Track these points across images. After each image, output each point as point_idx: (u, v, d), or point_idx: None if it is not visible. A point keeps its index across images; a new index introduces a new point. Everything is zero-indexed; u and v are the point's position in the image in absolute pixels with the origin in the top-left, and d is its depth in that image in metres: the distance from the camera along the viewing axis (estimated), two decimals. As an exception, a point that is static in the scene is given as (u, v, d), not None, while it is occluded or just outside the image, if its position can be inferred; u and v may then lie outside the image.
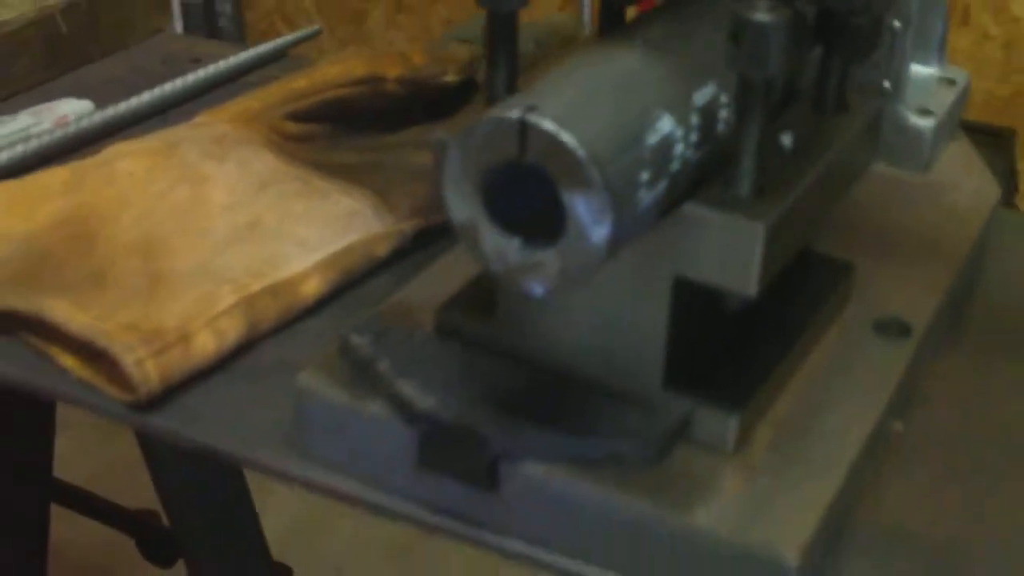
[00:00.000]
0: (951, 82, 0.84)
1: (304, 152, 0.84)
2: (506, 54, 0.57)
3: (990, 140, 1.40)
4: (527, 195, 0.51)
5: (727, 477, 0.57)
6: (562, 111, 0.49)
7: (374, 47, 2.62)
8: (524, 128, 0.49)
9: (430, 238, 0.80)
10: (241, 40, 2.80)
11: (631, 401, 0.59)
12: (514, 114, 0.49)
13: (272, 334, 0.73)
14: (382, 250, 0.78)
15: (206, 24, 2.78)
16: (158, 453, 1.22)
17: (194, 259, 0.74)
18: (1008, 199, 0.83)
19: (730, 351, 0.62)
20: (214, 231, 0.76)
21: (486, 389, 0.60)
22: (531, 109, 0.49)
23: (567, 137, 0.48)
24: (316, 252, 0.75)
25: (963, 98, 0.84)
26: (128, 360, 0.66)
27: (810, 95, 0.62)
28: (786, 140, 0.59)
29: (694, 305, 0.58)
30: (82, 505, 1.71)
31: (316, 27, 1.07)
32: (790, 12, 0.50)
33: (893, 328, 0.67)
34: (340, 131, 0.88)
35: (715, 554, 0.55)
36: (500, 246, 0.52)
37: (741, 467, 0.58)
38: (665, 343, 0.58)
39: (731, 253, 0.54)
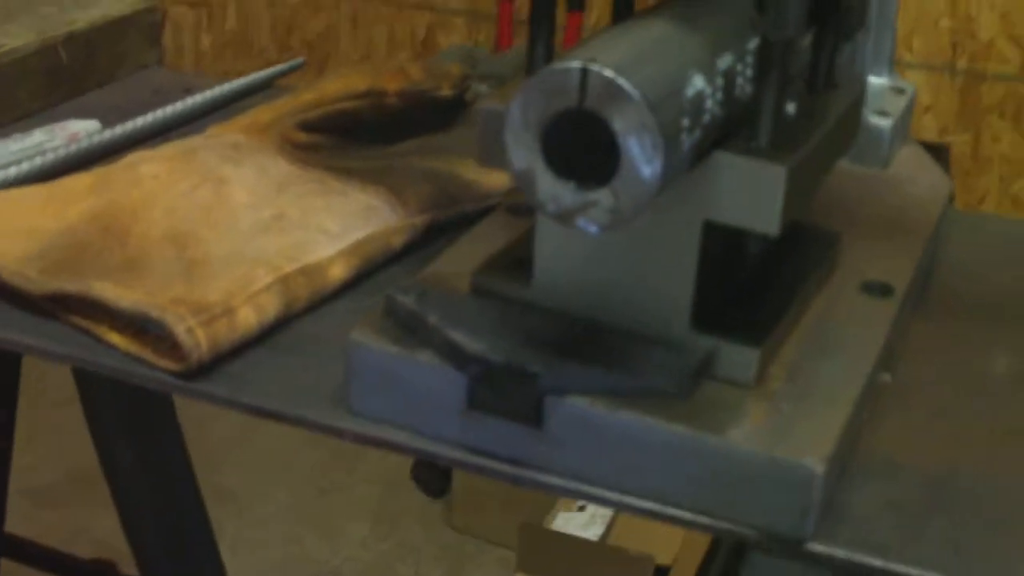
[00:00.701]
0: (901, 91, 0.93)
1: (314, 159, 0.91)
2: (545, 30, 0.64)
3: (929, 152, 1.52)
4: (582, 142, 0.57)
5: (751, 405, 0.64)
6: (617, 62, 0.56)
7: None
8: (585, 76, 0.56)
9: (437, 234, 0.87)
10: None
11: (662, 341, 0.65)
12: (576, 64, 0.56)
13: (303, 314, 0.79)
14: (397, 241, 0.84)
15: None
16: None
17: (225, 246, 0.80)
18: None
19: (743, 299, 0.69)
20: (241, 223, 0.82)
21: (528, 335, 0.66)
22: (591, 59, 0.56)
23: (624, 82, 0.55)
24: (339, 240, 0.81)
25: (911, 105, 0.93)
26: (180, 329, 0.71)
27: (803, 75, 0.70)
28: (790, 108, 0.66)
29: (716, 252, 0.65)
30: (36, 559, 1.72)
31: (300, 59, 1.14)
32: None
33: (877, 289, 0.74)
34: (345, 142, 0.94)
35: (749, 467, 0.61)
36: (556, 189, 0.58)
37: (762, 397, 0.64)
38: (693, 286, 0.65)
39: (757, 195, 0.61)
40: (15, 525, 1.61)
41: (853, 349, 0.69)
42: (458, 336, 0.65)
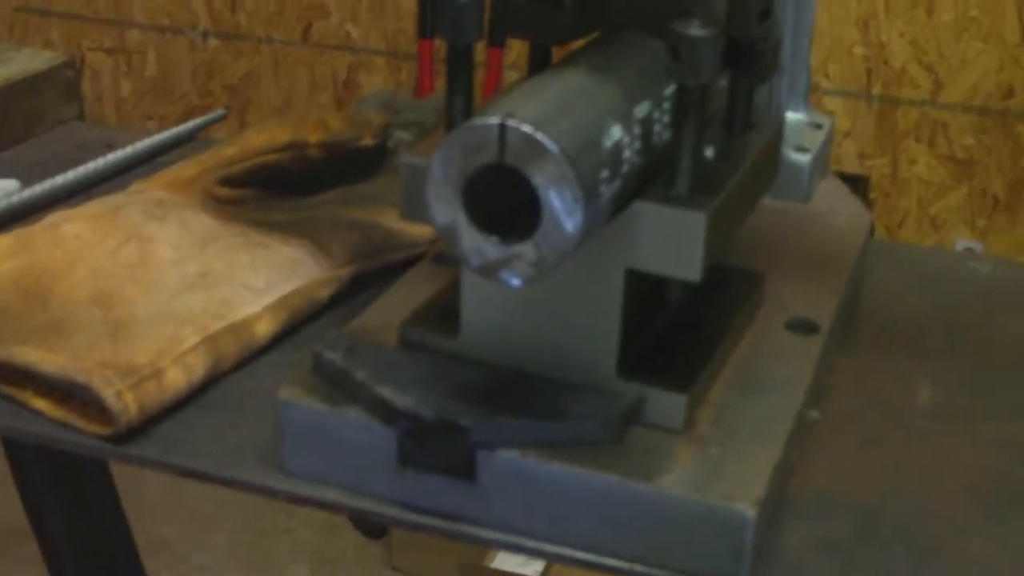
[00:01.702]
0: (818, 126, 0.94)
1: (238, 214, 0.90)
2: (463, 84, 0.64)
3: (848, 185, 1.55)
4: (503, 196, 0.58)
5: (681, 449, 0.64)
6: (535, 116, 0.56)
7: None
8: (503, 131, 0.56)
9: (363, 284, 0.86)
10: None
11: (589, 389, 0.66)
12: (493, 120, 0.56)
13: (232, 370, 0.78)
14: (323, 294, 0.84)
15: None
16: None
17: (152, 305, 0.79)
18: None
19: (669, 344, 0.69)
20: (166, 281, 0.82)
21: (457, 388, 0.66)
22: (508, 115, 0.56)
23: (542, 137, 0.56)
24: (265, 296, 0.81)
25: (830, 139, 0.94)
26: (108, 392, 0.71)
27: (720, 117, 0.71)
28: (708, 152, 0.67)
29: (640, 299, 0.66)
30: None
31: (222, 111, 1.14)
32: (719, 28, 0.59)
33: (802, 326, 0.75)
34: (269, 194, 0.94)
35: (681, 514, 0.61)
36: (479, 244, 0.59)
37: (691, 441, 0.65)
38: (618, 334, 0.65)
39: (677, 243, 0.61)
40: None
41: (781, 388, 0.70)
42: (386, 391, 0.65)
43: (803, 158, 0.89)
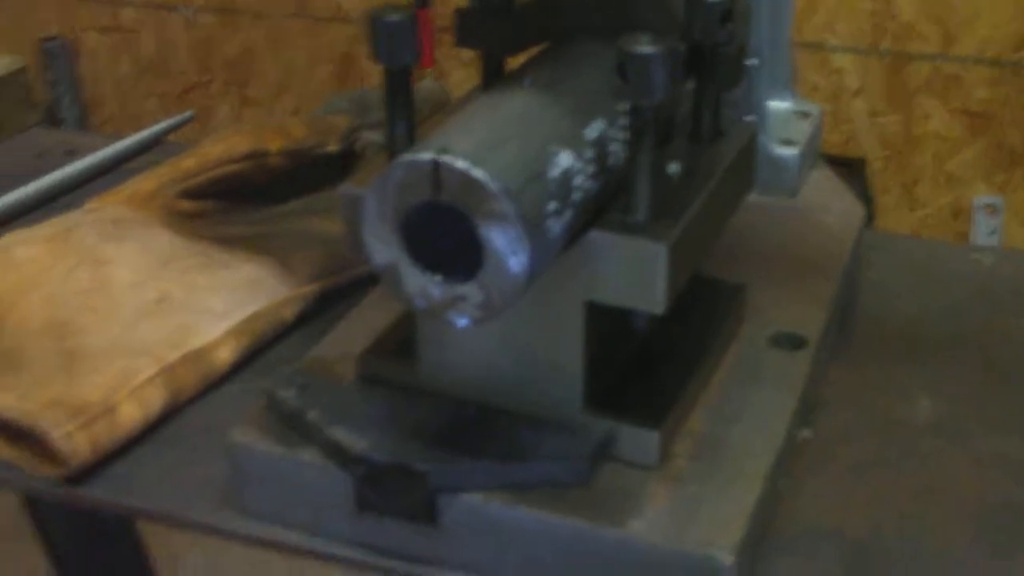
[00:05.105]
0: (806, 114, 0.89)
1: (200, 228, 0.87)
2: (403, 108, 0.60)
3: (843, 170, 1.49)
4: (444, 233, 0.54)
5: (655, 488, 0.60)
6: (471, 150, 0.52)
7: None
8: (437, 168, 0.52)
9: (331, 301, 0.83)
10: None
11: (554, 425, 0.62)
12: (426, 156, 0.52)
13: (193, 401, 0.75)
14: (288, 314, 0.80)
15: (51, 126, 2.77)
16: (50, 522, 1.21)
17: (107, 335, 0.76)
18: (867, 224, 0.88)
19: (642, 372, 0.65)
20: (123, 308, 0.78)
21: (416, 427, 0.62)
22: (442, 150, 0.52)
23: (479, 173, 0.51)
24: (226, 320, 0.77)
25: (819, 128, 0.90)
26: (57, 435, 0.67)
27: (687, 126, 0.67)
28: (672, 168, 0.63)
29: (605, 329, 0.62)
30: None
31: (189, 113, 1.10)
32: (669, 44, 0.54)
33: (788, 341, 0.71)
34: (231, 205, 0.90)
35: (653, 561, 0.58)
36: (422, 284, 0.55)
37: (667, 478, 0.61)
38: (582, 368, 0.61)
39: (638, 274, 0.57)
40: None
41: (765, 412, 0.66)
42: (340, 434, 0.62)
43: (789, 152, 0.84)
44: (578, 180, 0.56)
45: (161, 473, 0.70)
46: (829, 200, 0.86)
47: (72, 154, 1.04)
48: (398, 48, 0.58)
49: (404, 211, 0.54)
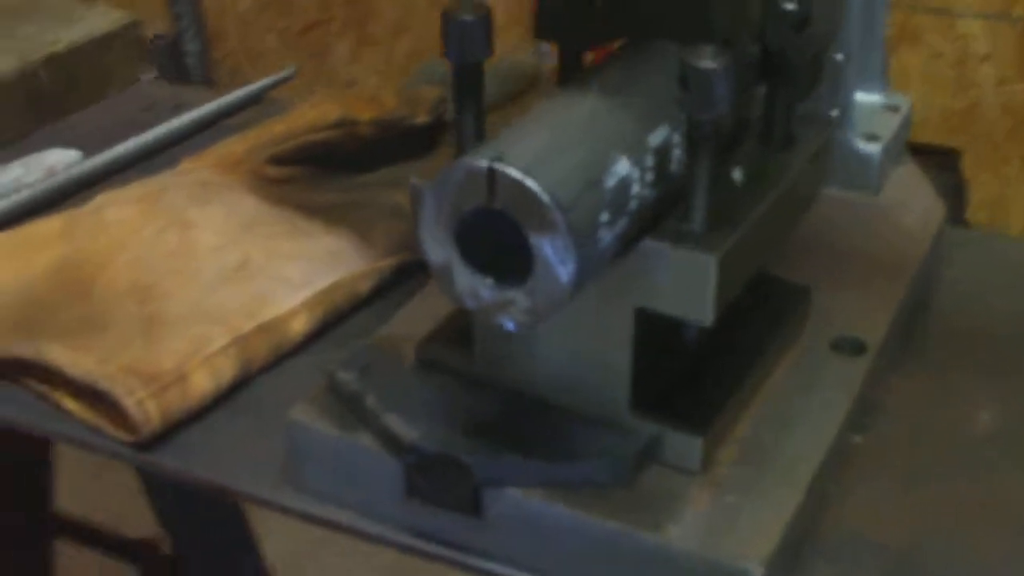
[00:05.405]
0: (895, 108, 0.88)
1: (285, 194, 0.88)
2: (472, 102, 0.61)
3: (937, 159, 1.45)
4: (498, 236, 0.54)
5: (695, 495, 0.61)
6: (527, 159, 0.53)
7: (338, 82, 2.64)
8: (492, 175, 0.53)
9: (408, 274, 0.84)
10: (206, 75, 2.83)
11: (603, 425, 0.63)
12: (483, 163, 0.53)
13: (264, 371, 0.77)
14: (364, 288, 0.82)
15: (173, 63, 2.81)
16: (159, 486, 1.24)
17: (187, 301, 0.78)
18: (958, 214, 0.86)
19: (693, 375, 0.66)
20: (204, 272, 0.80)
21: (467, 419, 0.64)
22: (498, 158, 0.53)
23: (532, 184, 0.52)
24: (303, 290, 0.79)
25: (907, 123, 0.88)
26: (130, 402, 0.70)
27: (758, 130, 0.66)
28: (737, 175, 0.63)
29: (656, 333, 0.62)
30: (83, 536, 1.73)
31: (291, 69, 1.11)
32: (732, 58, 0.54)
33: (848, 346, 0.71)
34: (318, 173, 0.91)
35: (685, 568, 0.58)
36: (473, 285, 0.56)
37: (708, 485, 0.62)
38: (629, 371, 0.62)
39: (687, 285, 0.57)
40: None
41: (815, 418, 0.66)
42: (394, 422, 0.63)
43: (873, 148, 0.84)
44: (635, 188, 0.57)
45: (228, 444, 0.72)
46: (911, 197, 0.85)
47: (178, 107, 1.06)
48: (470, 47, 0.58)
49: (459, 213, 0.54)
